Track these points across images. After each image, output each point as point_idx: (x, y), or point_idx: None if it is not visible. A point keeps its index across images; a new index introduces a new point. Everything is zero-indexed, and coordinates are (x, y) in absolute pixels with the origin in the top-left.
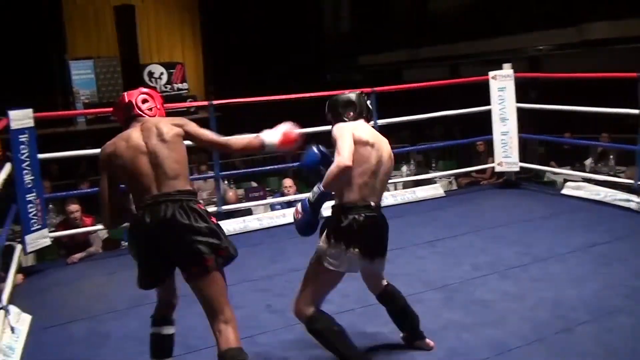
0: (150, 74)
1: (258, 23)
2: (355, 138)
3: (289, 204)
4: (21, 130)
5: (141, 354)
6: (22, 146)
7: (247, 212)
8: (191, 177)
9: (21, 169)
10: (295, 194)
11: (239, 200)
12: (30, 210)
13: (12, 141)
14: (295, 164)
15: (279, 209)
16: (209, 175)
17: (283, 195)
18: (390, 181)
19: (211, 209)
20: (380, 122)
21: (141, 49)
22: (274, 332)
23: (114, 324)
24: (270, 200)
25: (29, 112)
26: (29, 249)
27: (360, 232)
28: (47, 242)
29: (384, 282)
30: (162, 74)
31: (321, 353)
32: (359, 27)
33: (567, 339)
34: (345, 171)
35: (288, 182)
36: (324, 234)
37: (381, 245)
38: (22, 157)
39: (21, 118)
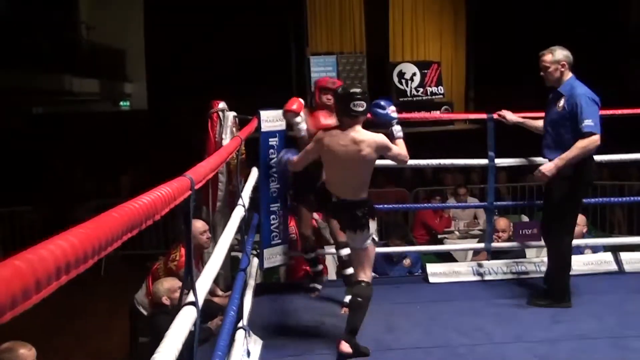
0: (401, 74)
1: (535, 18)
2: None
3: (576, 248)
4: (272, 133)
5: None
6: (271, 150)
7: (519, 252)
8: (448, 204)
9: (267, 175)
10: (585, 235)
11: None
12: (273, 222)
13: (261, 144)
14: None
15: None
16: (475, 204)
17: None
18: None
19: (473, 245)
20: None
21: (392, 45)
22: None
23: None
24: None
25: (280, 113)
26: (267, 264)
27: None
28: (287, 259)
29: (359, 277)
30: (414, 74)
31: None
32: None
33: None
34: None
35: (580, 219)
36: None
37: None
38: (270, 163)
39: (272, 119)
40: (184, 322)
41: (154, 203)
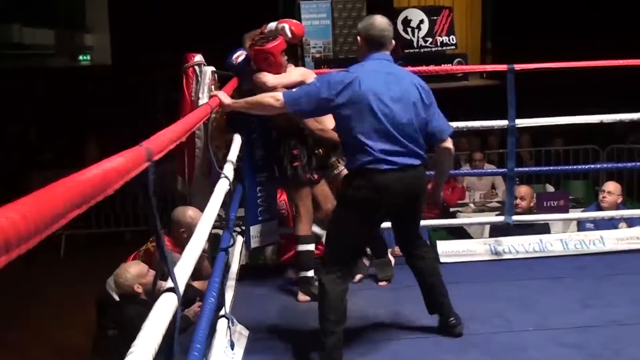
0: (407, 21)
1: None
2: None
3: (608, 221)
4: None
5: None
6: None
7: (543, 227)
8: (461, 171)
9: (251, 140)
10: (620, 206)
11: (530, 210)
12: (260, 194)
13: None
14: (611, 164)
15: (591, 229)
16: (493, 170)
17: (599, 208)
18: None
19: (491, 218)
20: None
21: None
22: None
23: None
24: (577, 214)
25: None
26: (254, 243)
27: None
28: (277, 237)
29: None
30: (421, 22)
31: None
32: None
33: None
34: None
35: (611, 186)
36: None
37: None
38: (253, 127)
39: None
40: (164, 312)
41: (106, 175)
